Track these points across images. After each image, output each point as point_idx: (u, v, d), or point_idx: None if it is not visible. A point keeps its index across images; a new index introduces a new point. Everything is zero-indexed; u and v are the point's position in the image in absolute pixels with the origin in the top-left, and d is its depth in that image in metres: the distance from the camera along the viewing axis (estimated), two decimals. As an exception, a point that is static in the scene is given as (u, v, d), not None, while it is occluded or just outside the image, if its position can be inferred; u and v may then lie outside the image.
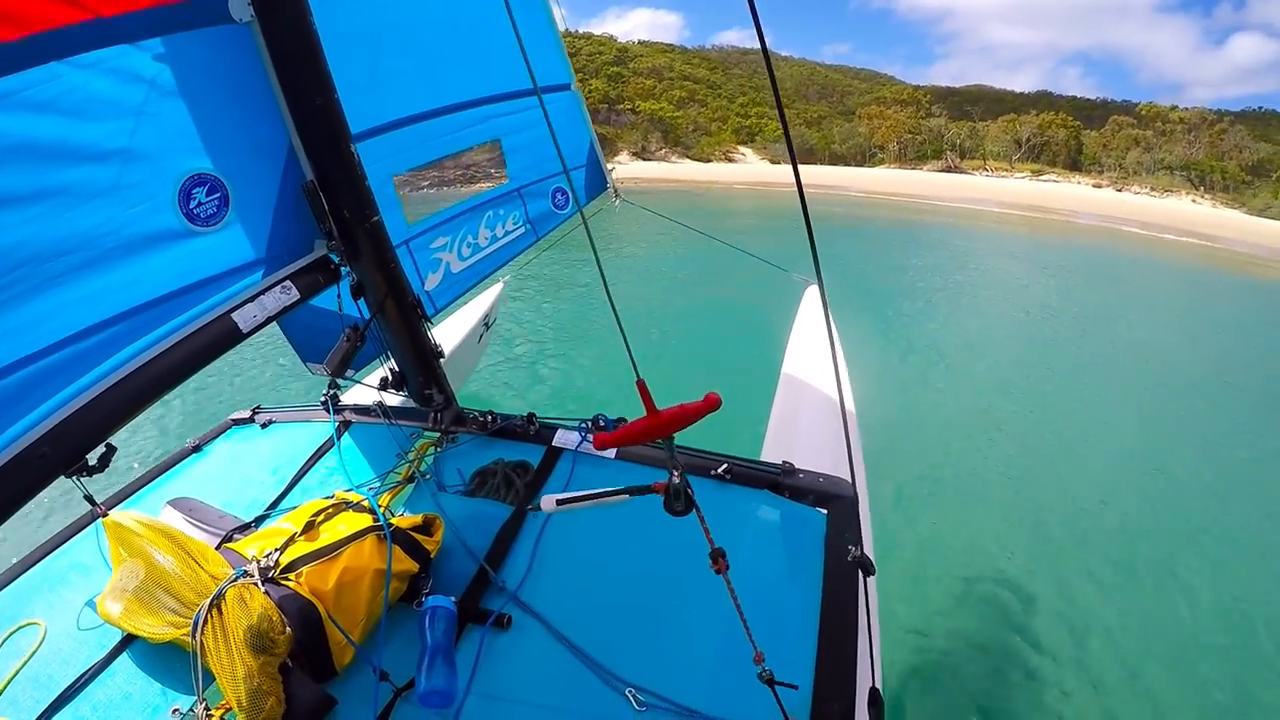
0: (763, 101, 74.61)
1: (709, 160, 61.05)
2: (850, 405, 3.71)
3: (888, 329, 10.75)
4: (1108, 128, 65.51)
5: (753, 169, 57.43)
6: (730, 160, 62.72)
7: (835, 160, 64.39)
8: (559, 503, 1.43)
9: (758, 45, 1.13)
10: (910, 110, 71.37)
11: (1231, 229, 36.91)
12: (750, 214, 27.70)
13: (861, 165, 63.42)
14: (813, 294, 5.18)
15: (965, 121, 69.17)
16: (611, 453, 2.47)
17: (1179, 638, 4.57)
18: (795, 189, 1.32)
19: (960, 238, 24.48)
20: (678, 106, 66.55)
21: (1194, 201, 52.72)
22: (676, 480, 1.33)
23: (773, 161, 61.87)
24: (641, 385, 1.32)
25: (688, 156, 61.01)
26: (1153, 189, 55.81)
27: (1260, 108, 71.72)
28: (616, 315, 1.46)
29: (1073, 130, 64.72)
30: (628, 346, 1.40)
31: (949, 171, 61.55)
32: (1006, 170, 62.00)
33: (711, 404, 1.25)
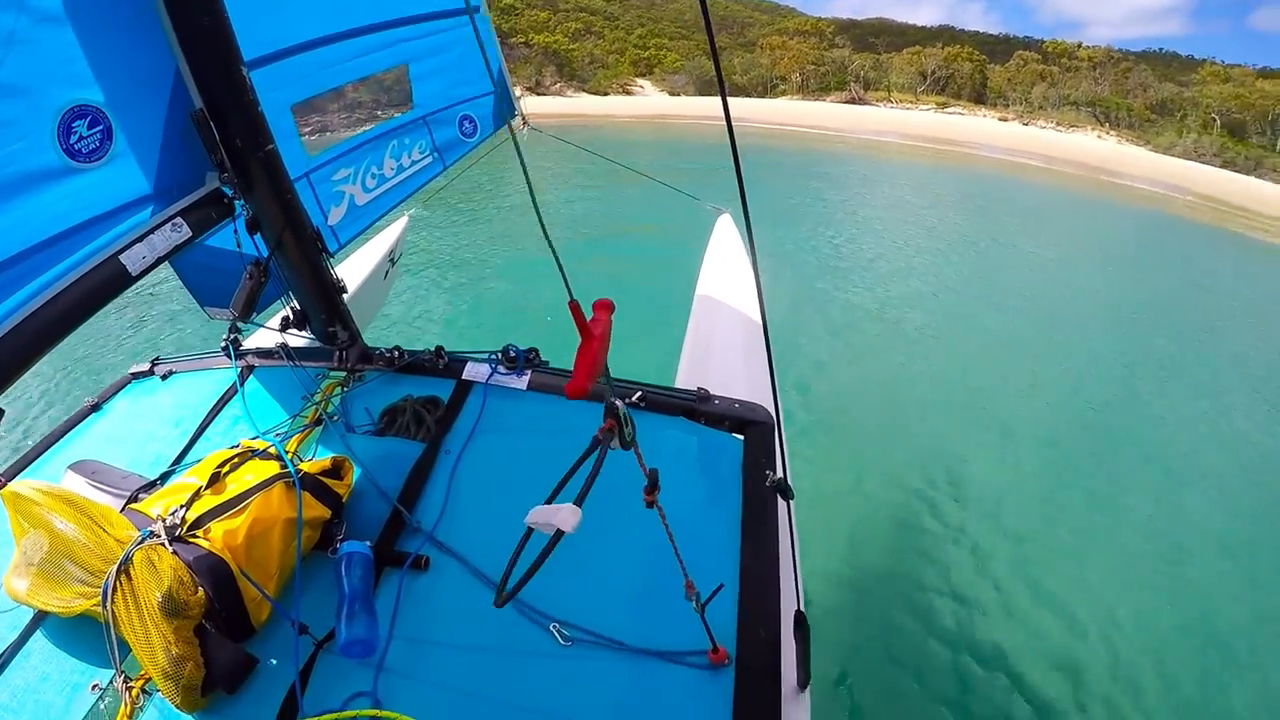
0: (661, 33, 73.02)
1: (606, 94, 59.67)
2: (762, 330, 3.80)
3: (793, 257, 11.07)
4: (1012, 63, 66.87)
5: (651, 101, 56.42)
6: (628, 93, 61.44)
7: (736, 92, 63.54)
8: (577, 501, 1.22)
9: None
10: (814, 41, 70.97)
11: (1134, 165, 38.66)
12: (650, 147, 27.64)
13: (764, 97, 63.01)
14: (725, 222, 5.21)
15: (870, 53, 69.20)
16: (523, 383, 2.44)
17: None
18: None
19: (865, 168, 25.26)
20: (573, 39, 64.71)
21: (1099, 138, 54.58)
22: (624, 408, 1.25)
23: (670, 93, 61.03)
24: (574, 306, 1.23)
25: (584, 90, 59.48)
26: (1058, 124, 57.41)
27: (1161, 49, 75.13)
28: (546, 234, 1.41)
29: (978, 64, 65.61)
30: (560, 266, 1.36)
31: (853, 103, 61.70)
32: (911, 102, 62.58)
33: (607, 308, 1.21)
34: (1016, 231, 16.19)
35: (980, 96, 64.74)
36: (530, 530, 1.21)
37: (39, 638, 1.73)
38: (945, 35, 77.96)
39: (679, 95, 59.45)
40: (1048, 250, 14.43)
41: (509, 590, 1.22)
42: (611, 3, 78.08)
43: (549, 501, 1.22)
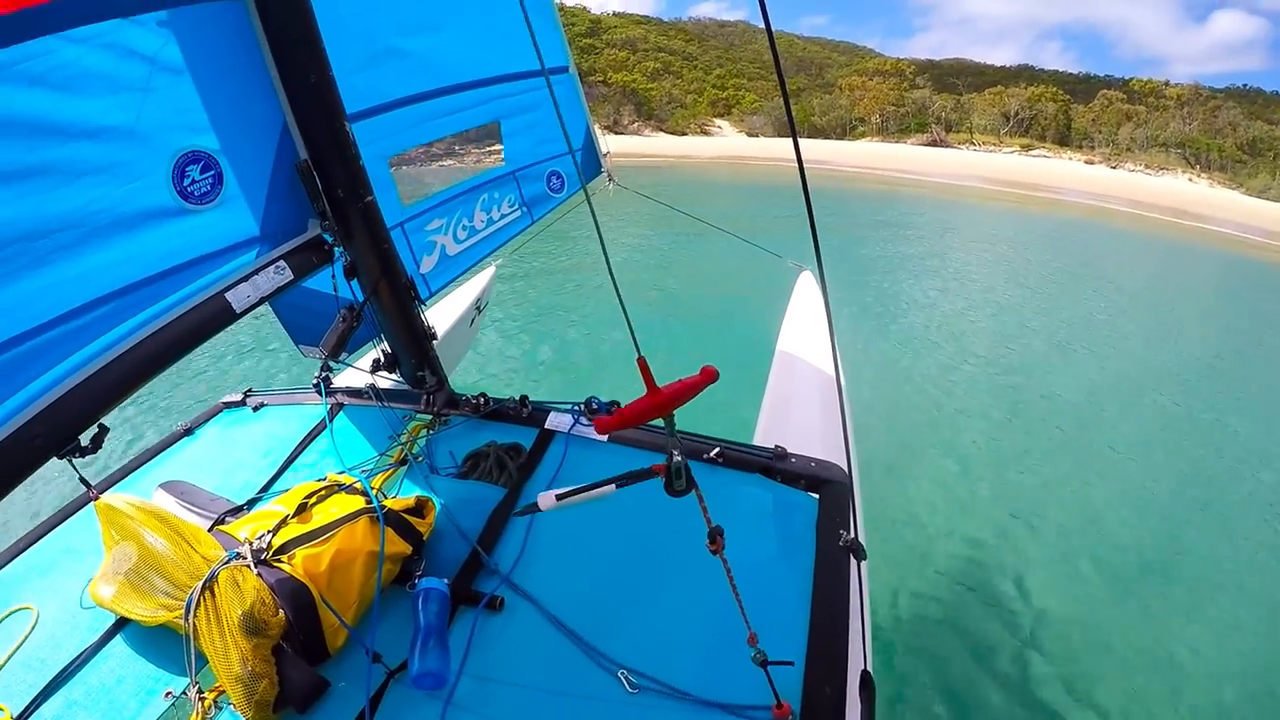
0: (740, 74, 72.95)
1: (684, 134, 59.51)
2: (843, 390, 3.74)
3: (878, 316, 10.79)
4: (1096, 102, 64.34)
5: (729, 142, 56.04)
6: (706, 133, 61.07)
7: (815, 133, 62.70)
8: (559, 498, 1.40)
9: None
10: (894, 81, 69.83)
11: (1226, 209, 36.09)
12: (729, 191, 27.52)
13: (842, 138, 61.91)
14: (806, 279, 5.21)
15: (950, 94, 67.66)
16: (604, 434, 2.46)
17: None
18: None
19: (947, 215, 24.44)
20: (651, 78, 64.86)
21: (1190, 180, 51.58)
22: (678, 459, 1.30)
23: (749, 134, 60.35)
24: (642, 363, 1.29)
25: (662, 130, 59.55)
26: (1147, 166, 54.62)
27: (1245, 85, 70.91)
28: (619, 294, 1.44)
29: (1062, 104, 63.46)
30: (629, 324, 1.38)
31: (934, 145, 60.12)
32: (995, 145, 60.77)
33: (709, 377, 1.25)
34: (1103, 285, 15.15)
35: (1064, 138, 62.44)
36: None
37: (118, 642, 1.79)
38: (1025, 75, 75.60)
39: (757, 136, 59.08)
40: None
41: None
42: (690, 43, 78.97)
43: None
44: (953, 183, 35.81)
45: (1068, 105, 64.10)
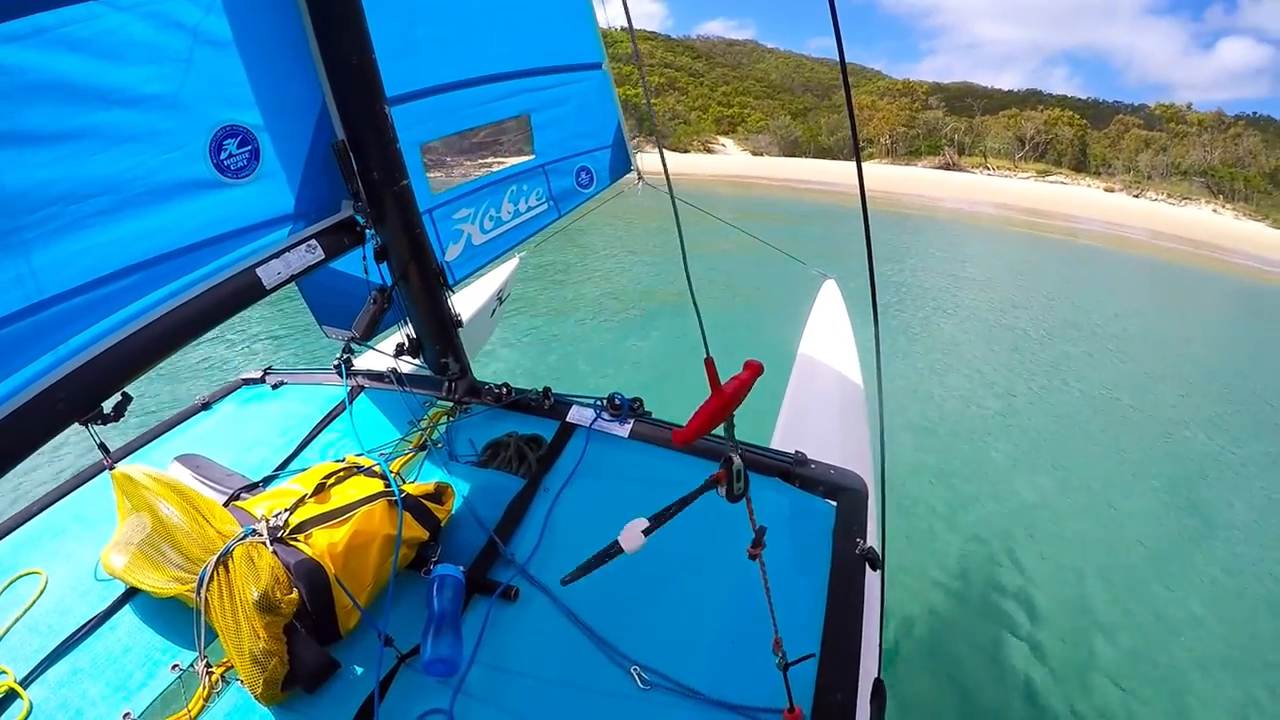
0: (746, 91, 72.67)
1: (686, 150, 58.77)
2: (862, 397, 3.73)
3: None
4: (1112, 128, 63.51)
5: (733, 160, 55.35)
6: (709, 151, 60.57)
7: (821, 154, 61.82)
8: (645, 532, 1.30)
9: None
10: (904, 102, 69.03)
11: (1255, 244, 35.06)
12: (729, 209, 27.00)
13: (850, 159, 61.06)
14: (830, 287, 5.22)
15: (963, 116, 66.70)
16: (625, 430, 2.46)
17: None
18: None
19: (966, 245, 23.76)
20: (655, 93, 64.69)
21: (1214, 211, 50.38)
22: (739, 463, 1.27)
23: (754, 153, 59.78)
24: (709, 363, 1.27)
25: (663, 146, 59.20)
26: (1169, 196, 53.38)
27: (1255, 113, 69.10)
28: (692, 291, 1.42)
29: (1079, 128, 62.57)
30: (700, 322, 1.36)
31: (947, 169, 59.27)
32: (1010, 169, 59.80)
33: (755, 370, 1.23)
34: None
35: (1080, 164, 61.36)
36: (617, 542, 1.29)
37: (127, 612, 1.79)
38: (1033, 99, 74.88)
39: (762, 155, 58.44)
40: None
41: (568, 577, 1.33)
42: (698, 59, 78.86)
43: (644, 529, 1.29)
44: (968, 209, 34.85)
45: (1084, 130, 63.32)
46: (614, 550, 1.28)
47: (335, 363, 2.82)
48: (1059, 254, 25.17)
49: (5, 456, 1.32)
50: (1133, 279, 22.56)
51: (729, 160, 56.04)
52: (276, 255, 1.88)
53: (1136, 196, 53.34)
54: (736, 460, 1.27)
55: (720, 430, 1.29)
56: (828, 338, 4.40)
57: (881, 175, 48.23)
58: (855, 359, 4.10)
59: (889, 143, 63.91)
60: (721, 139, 64.32)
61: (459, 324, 2.69)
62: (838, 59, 1.07)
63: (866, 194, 1.35)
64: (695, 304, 1.38)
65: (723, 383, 1.24)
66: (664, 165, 1.47)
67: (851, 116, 1.22)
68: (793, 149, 62.33)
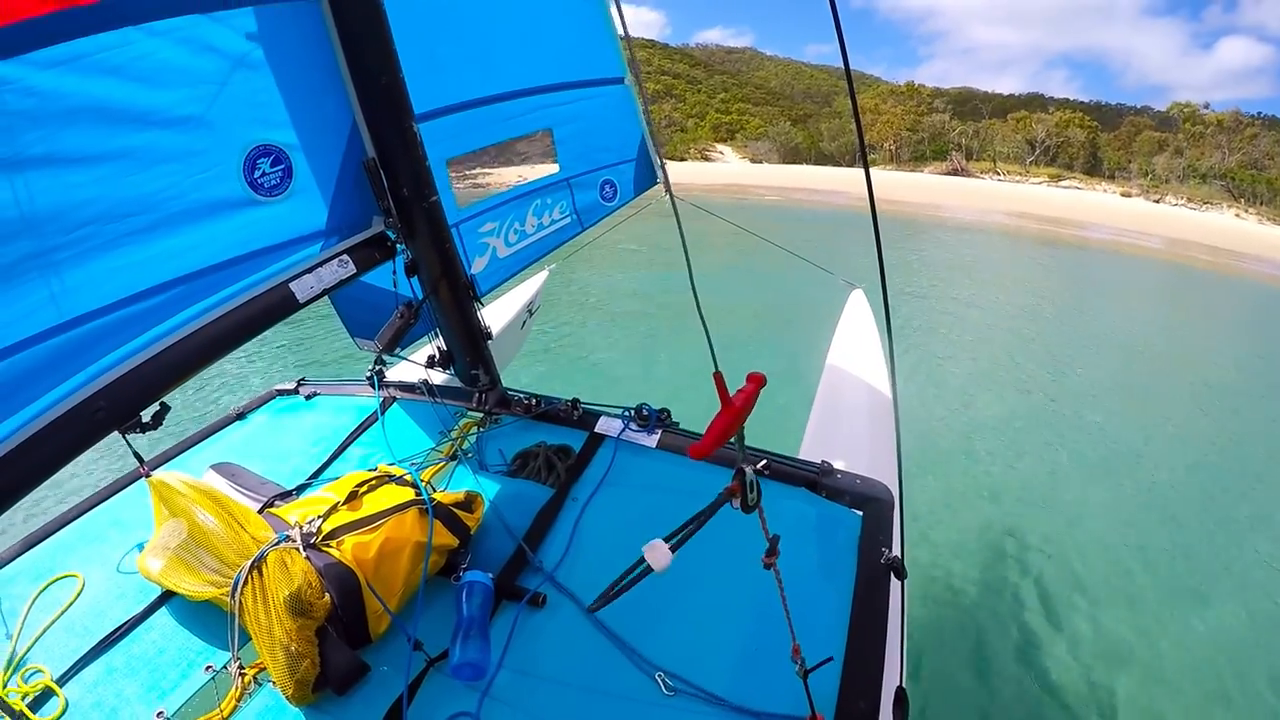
0: (745, 99, 71.67)
1: (683, 159, 57.85)
2: (891, 407, 3.69)
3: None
4: (1124, 129, 61.45)
5: (732, 169, 53.97)
6: (707, 159, 59.39)
7: (822, 160, 60.19)
8: (672, 548, 1.29)
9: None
10: (909, 105, 67.17)
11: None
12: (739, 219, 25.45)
13: (853, 166, 57.17)
14: (858, 297, 5.19)
15: (970, 120, 64.40)
16: (652, 441, 2.47)
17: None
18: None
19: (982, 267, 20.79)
20: (652, 100, 63.20)
21: (1237, 216, 48.30)
22: (751, 474, 1.30)
23: (753, 160, 58.50)
24: (718, 377, 1.29)
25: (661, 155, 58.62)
26: (1190, 200, 50.99)
27: (1260, 114, 65.22)
28: (699, 308, 1.45)
29: (1090, 130, 60.60)
30: (708, 337, 1.38)
31: (955, 174, 57.19)
32: (1021, 174, 57.63)
33: (758, 382, 1.25)
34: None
35: (1093, 167, 59.10)
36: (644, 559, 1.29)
37: (162, 615, 1.84)
38: (1035, 103, 72.26)
39: (761, 163, 57.22)
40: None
41: (596, 602, 1.34)
42: (695, 67, 78.11)
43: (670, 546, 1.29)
44: (980, 219, 32.14)
45: (1095, 132, 61.45)
46: (644, 570, 1.29)
47: (367, 374, 2.88)
48: (1103, 267, 23.82)
49: (47, 463, 1.37)
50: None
51: (728, 169, 54.54)
52: (309, 270, 1.94)
53: (1157, 201, 51.42)
54: (749, 472, 1.29)
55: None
56: (856, 347, 4.37)
57: (886, 182, 46.23)
58: (884, 369, 4.08)
59: (893, 148, 62.49)
60: (720, 146, 63.72)
61: (489, 336, 2.73)
62: (839, 63, 1.09)
63: (882, 200, 1.36)
64: (702, 318, 1.40)
65: (741, 389, 1.26)
66: (664, 176, 1.49)
67: (858, 120, 1.23)
68: (793, 156, 61.35)
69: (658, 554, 1.27)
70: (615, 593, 1.32)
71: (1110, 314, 15.42)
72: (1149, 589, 5.20)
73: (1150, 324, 14.84)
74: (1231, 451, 7.94)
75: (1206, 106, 62.81)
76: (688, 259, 1.40)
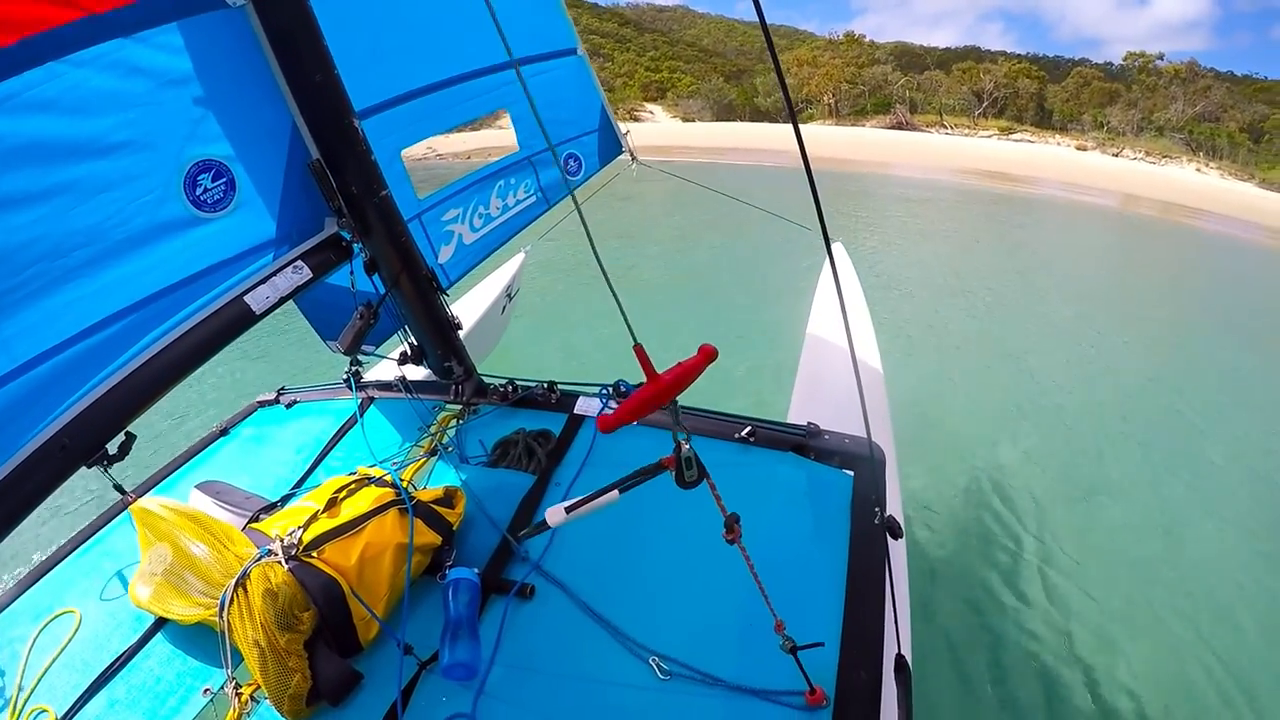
0: (676, 56, 70.02)
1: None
2: (877, 364, 3.66)
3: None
4: (1070, 81, 60.03)
5: (661, 129, 52.02)
6: (636, 119, 56.76)
7: (758, 116, 58.06)
8: (568, 511, 1.36)
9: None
10: (850, 56, 64.91)
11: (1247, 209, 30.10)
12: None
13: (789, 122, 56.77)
14: (837, 251, 5.08)
15: (911, 73, 62.37)
16: None
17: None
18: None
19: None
20: None
21: (1198, 170, 46.42)
22: (685, 450, 1.27)
23: (684, 119, 56.99)
24: (639, 350, 1.27)
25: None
26: (1148, 154, 49.20)
27: (1204, 67, 62.71)
28: (607, 278, 1.43)
29: (1039, 81, 59.07)
30: (622, 311, 1.36)
31: (899, 128, 54.97)
32: (969, 128, 55.72)
33: (707, 355, 1.21)
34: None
35: (1041, 119, 57.61)
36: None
37: (158, 641, 1.86)
38: (972, 56, 70.17)
39: (693, 121, 55.82)
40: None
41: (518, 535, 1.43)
42: (625, 26, 76.55)
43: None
44: (929, 176, 28.78)
45: (1044, 83, 60.00)
46: (541, 526, 1.40)
47: (344, 376, 2.86)
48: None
49: (16, 510, 1.37)
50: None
51: (659, 129, 51.92)
52: (264, 280, 1.91)
53: (1117, 155, 49.69)
54: (685, 448, 1.27)
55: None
56: (836, 307, 4.32)
57: (823, 138, 43.60)
58: (869, 324, 4.05)
59: (832, 101, 60.15)
60: (650, 106, 62.11)
61: (458, 326, 2.71)
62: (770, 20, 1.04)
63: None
64: (613, 291, 1.39)
65: (682, 363, 1.23)
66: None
67: (778, 69, 1.20)
68: (727, 113, 59.85)
69: (554, 516, 1.38)
70: (533, 531, 1.49)
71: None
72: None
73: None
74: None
75: (1161, 57, 61.00)
76: (590, 236, 1.37)
